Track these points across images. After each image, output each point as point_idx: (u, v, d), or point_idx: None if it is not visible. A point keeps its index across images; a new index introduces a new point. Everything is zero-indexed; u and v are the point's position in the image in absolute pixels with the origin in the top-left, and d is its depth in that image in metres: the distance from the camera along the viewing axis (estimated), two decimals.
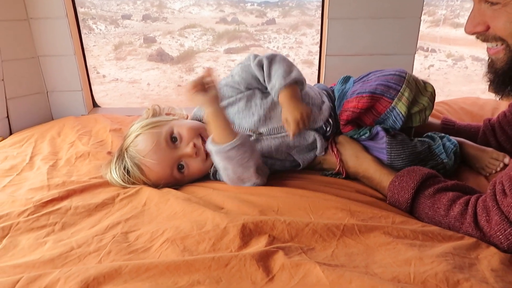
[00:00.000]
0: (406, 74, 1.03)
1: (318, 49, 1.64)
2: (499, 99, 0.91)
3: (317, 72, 1.73)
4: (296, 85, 1.01)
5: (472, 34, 0.81)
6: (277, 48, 8.57)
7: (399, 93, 1.00)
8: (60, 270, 0.67)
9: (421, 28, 1.56)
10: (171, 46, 8.76)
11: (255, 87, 1.07)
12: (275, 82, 1.00)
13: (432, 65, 6.03)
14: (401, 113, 1.01)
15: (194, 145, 1.01)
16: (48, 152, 1.26)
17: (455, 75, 5.59)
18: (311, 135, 1.06)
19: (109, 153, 1.22)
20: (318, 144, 1.06)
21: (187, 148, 1.01)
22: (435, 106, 1.49)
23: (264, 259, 0.68)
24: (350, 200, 0.90)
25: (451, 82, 5.26)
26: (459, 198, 0.82)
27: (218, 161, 0.94)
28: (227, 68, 7.13)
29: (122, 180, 1.01)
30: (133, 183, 1.01)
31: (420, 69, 6.28)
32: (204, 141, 1.03)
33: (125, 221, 0.85)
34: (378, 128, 1.03)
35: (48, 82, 1.66)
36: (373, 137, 1.04)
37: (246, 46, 8.52)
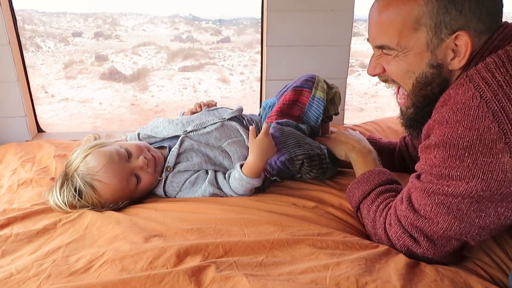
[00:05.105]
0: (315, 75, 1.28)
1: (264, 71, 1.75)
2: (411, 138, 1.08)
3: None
4: None
5: (373, 75, 0.93)
6: (232, 65, 8.69)
7: (315, 83, 1.24)
8: None
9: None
10: (124, 64, 8.64)
11: None
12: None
13: (380, 82, 6.37)
14: (321, 98, 1.22)
15: (144, 157, 1.08)
16: None
17: None
18: (233, 125, 1.22)
19: (53, 179, 1.23)
20: (241, 131, 1.21)
21: (138, 161, 1.07)
22: (365, 126, 1.64)
23: (196, 274, 0.74)
24: (282, 215, 0.98)
25: None
26: (386, 203, 0.92)
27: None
28: (182, 86, 7.13)
29: (70, 204, 1.01)
30: (82, 207, 1.02)
31: (369, 85, 6.61)
32: (151, 154, 1.11)
33: (66, 245, 0.87)
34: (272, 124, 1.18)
35: None
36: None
37: (201, 64, 8.56)
